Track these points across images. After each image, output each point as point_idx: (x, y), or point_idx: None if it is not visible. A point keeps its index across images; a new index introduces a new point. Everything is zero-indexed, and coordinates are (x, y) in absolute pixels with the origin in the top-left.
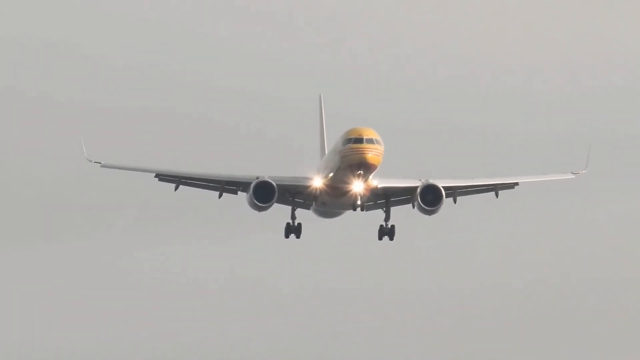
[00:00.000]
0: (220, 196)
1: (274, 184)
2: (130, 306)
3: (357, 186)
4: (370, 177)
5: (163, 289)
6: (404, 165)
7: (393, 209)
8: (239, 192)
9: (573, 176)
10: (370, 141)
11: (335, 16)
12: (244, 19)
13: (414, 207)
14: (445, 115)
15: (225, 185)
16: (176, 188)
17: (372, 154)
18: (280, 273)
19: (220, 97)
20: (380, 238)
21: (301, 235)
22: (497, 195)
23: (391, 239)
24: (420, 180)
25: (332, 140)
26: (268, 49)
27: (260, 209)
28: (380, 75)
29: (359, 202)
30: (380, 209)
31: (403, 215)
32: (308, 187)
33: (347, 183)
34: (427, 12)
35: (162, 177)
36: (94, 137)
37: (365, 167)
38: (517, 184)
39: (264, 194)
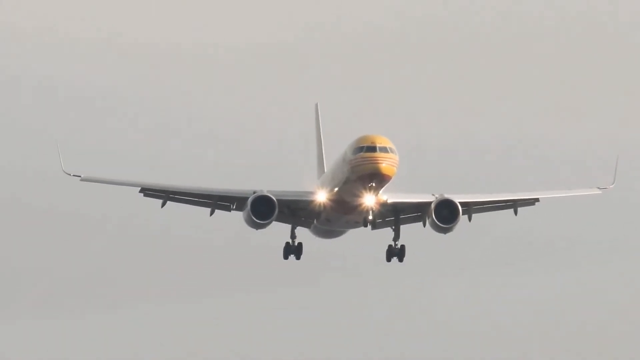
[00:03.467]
0: (212, 213)
1: (274, 198)
2: None
3: (368, 200)
4: (381, 191)
5: None
6: (410, 179)
7: (402, 228)
8: (232, 210)
9: (600, 191)
10: (384, 150)
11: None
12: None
13: (424, 225)
14: (459, 125)
15: (218, 201)
16: (163, 204)
17: (387, 163)
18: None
19: (205, 106)
20: (388, 259)
21: (301, 256)
22: (515, 212)
23: (400, 260)
24: (433, 195)
25: (331, 152)
26: (258, 55)
27: (258, 226)
28: (387, 83)
29: (370, 218)
30: (389, 227)
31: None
32: (311, 202)
33: (357, 196)
34: (434, 13)
35: (148, 192)
36: (72, 148)
37: (378, 179)
38: (537, 199)
39: (262, 209)
